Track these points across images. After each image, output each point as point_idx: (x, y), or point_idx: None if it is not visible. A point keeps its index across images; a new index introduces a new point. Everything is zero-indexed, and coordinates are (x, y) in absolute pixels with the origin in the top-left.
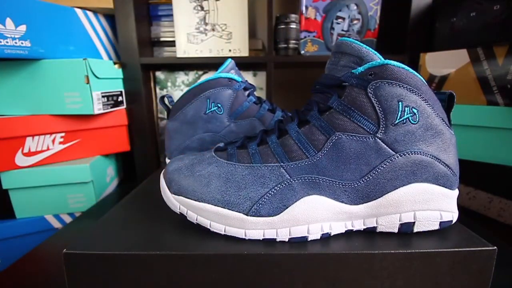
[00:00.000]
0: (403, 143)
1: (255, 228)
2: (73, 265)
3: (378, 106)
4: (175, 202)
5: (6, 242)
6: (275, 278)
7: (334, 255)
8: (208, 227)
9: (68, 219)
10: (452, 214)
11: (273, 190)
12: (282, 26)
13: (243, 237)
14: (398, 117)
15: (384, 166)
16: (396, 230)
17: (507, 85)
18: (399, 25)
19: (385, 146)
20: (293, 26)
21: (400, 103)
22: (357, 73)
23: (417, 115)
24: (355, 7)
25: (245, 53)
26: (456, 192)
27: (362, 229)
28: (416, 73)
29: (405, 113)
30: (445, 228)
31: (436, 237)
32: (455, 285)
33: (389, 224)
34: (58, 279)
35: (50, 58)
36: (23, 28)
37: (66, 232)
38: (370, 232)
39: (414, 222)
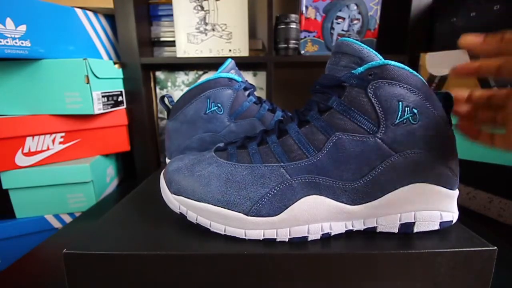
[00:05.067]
0: (403, 143)
1: (255, 228)
2: (73, 265)
3: (378, 106)
4: (175, 202)
5: (6, 242)
6: (275, 278)
7: (334, 255)
8: (208, 227)
9: (68, 219)
10: (452, 214)
11: (273, 190)
12: (282, 26)
13: (243, 237)
14: (398, 117)
15: (384, 166)
16: (396, 230)
17: (507, 85)
18: (399, 25)
19: (385, 146)
20: (293, 26)
21: (400, 103)
22: (357, 73)
23: (417, 115)
24: (355, 7)
25: (245, 53)
26: (456, 192)
27: (362, 229)
28: (416, 73)
29: (405, 113)
30: (445, 228)
31: (436, 237)
32: (456, 285)
33: (389, 224)
34: (58, 279)
35: (50, 58)
36: (23, 28)
37: (66, 232)
38: (370, 232)
39: (414, 222)
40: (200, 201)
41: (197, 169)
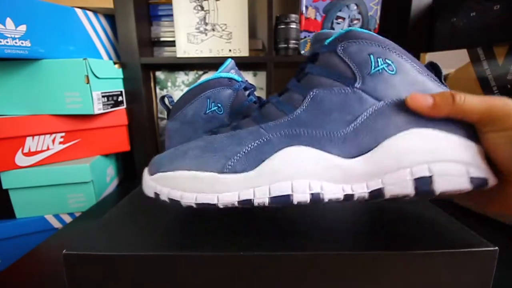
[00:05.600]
0: (385, 92)
1: (228, 191)
2: (73, 265)
3: (350, 62)
4: (151, 183)
5: (6, 242)
6: (275, 278)
7: (334, 255)
8: (179, 200)
9: (68, 219)
10: (483, 171)
11: (249, 146)
12: (282, 26)
13: (216, 202)
14: (373, 68)
15: (370, 112)
16: (412, 191)
17: (507, 85)
18: (399, 25)
19: (366, 95)
20: (293, 26)
21: (371, 55)
22: (326, 43)
23: (394, 66)
24: (355, 7)
25: (245, 53)
26: (479, 147)
27: (367, 195)
28: (384, 38)
29: (379, 64)
30: (445, 227)
31: (436, 237)
32: (456, 286)
33: (399, 182)
34: (58, 279)
35: (50, 58)
36: (23, 28)
37: (66, 232)
38: (370, 233)
39: (431, 177)
40: (174, 170)
41: (180, 148)
